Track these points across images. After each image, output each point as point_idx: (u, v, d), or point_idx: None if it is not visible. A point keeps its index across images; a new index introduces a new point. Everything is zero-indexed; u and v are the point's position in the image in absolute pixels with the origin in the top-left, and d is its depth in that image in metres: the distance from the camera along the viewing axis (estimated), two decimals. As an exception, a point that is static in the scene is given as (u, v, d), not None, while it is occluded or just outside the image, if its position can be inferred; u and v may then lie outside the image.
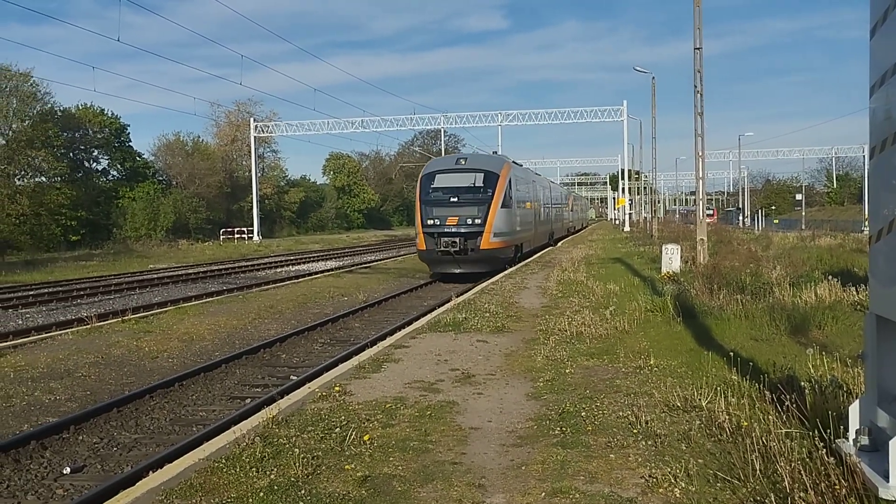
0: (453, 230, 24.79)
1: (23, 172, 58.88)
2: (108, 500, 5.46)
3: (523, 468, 5.75)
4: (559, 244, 44.27)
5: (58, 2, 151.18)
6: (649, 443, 6.17)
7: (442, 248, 24.77)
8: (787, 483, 4.77)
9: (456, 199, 25.38)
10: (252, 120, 77.48)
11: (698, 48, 20.55)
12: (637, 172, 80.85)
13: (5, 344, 13.82)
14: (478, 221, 24.79)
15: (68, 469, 7.36)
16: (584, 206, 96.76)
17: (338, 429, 6.69)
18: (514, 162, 31.22)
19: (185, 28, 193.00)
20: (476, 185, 25.82)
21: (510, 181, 26.79)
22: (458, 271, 24.97)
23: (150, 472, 6.36)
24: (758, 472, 5.17)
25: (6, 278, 31.39)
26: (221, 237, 69.82)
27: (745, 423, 6.16)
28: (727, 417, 6.41)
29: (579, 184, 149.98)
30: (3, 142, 57.69)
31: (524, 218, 30.34)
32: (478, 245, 24.74)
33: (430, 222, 25.20)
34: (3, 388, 10.47)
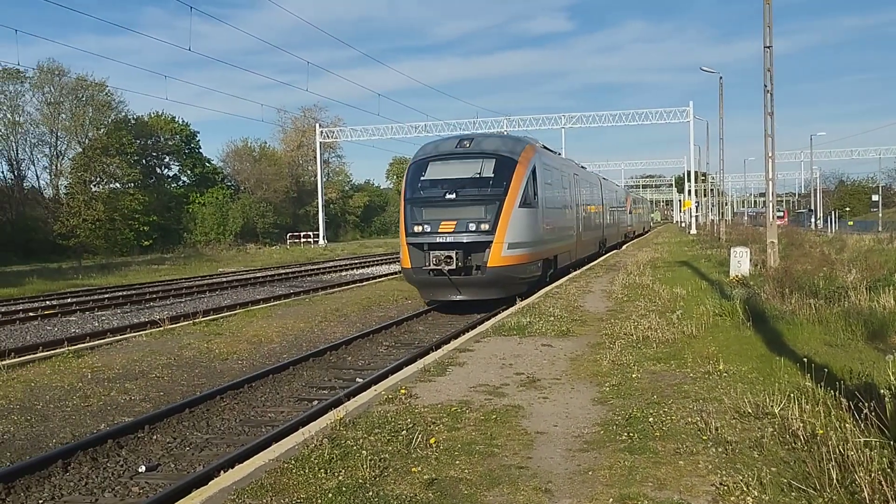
0: (449, 240, 17.37)
1: (98, 179, 60.96)
2: (182, 499, 5.59)
3: (590, 473, 5.70)
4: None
5: (131, 13, 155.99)
6: (720, 450, 6.05)
7: (432, 266, 17.20)
8: (866, 493, 4.62)
9: (454, 196, 17.71)
10: (318, 125, 78.75)
11: (768, 46, 20.07)
12: (704, 174, 79.28)
13: (83, 345, 14.31)
14: (485, 227, 17.33)
15: (143, 468, 7.58)
16: (645, 208, 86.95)
17: (404, 431, 6.74)
18: (543, 146, 23.10)
19: (252, 36, 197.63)
20: (483, 175, 18.17)
21: (534, 170, 19.15)
22: (457, 299, 17.64)
23: (222, 471, 6.50)
24: (834, 481, 5.02)
25: (83, 282, 32.54)
26: (288, 241, 71.12)
27: (821, 431, 5.98)
28: (801, 425, 6.24)
29: (644, 186, 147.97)
30: (80, 149, 59.80)
31: (558, 222, 22.65)
32: (485, 261, 17.31)
33: (416, 229, 17.77)
34: (81, 388, 10.85)
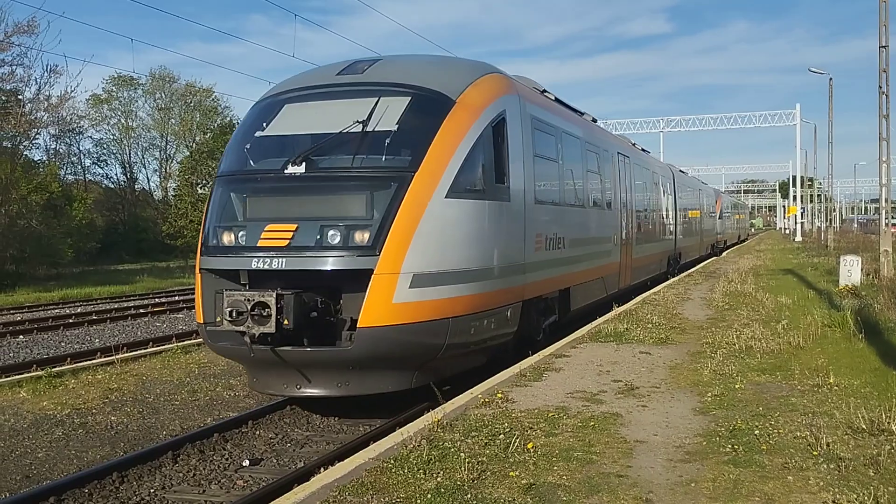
0: (277, 264, 8.46)
1: (204, 181, 63.34)
2: (285, 494, 5.74)
3: (693, 485, 5.56)
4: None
5: (237, 21, 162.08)
6: (831, 466, 5.80)
7: (233, 319, 8.13)
8: None
9: (301, 170, 8.88)
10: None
11: (884, 46, 19.18)
12: (810, 179, 76.27)
13: (190, 342, 14.91)
14: (361, 237, 8.44)
15: (247, 462, 7.83)
16: (742, 213, 76.11)
17: (501, 435, 6.73)
18: (540, 90, 13.52)
19: (353, 42, 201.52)
20: (375, 128, 9.05)
21: (499, 126, 10.15)
22: (306, 394, 8.77)
23: (322, 468, 6.64)
24: (959, 504, 4.74)
25: (190, 280, 33.88)
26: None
27: (943, 451, 5.67)
28: (921, 443, 5.92)
29: (746, 191, 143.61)
30: (188, 153, 62.38)
31: (571, 230, 13.51)
32: (357, 315, 8.31)
33: (224, 239, 8.97)
34: (188, 382, 11.31)
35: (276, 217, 8.76)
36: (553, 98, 14.24)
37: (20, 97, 33.59)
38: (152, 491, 7.10)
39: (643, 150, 25.78)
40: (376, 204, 8.58)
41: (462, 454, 6.13)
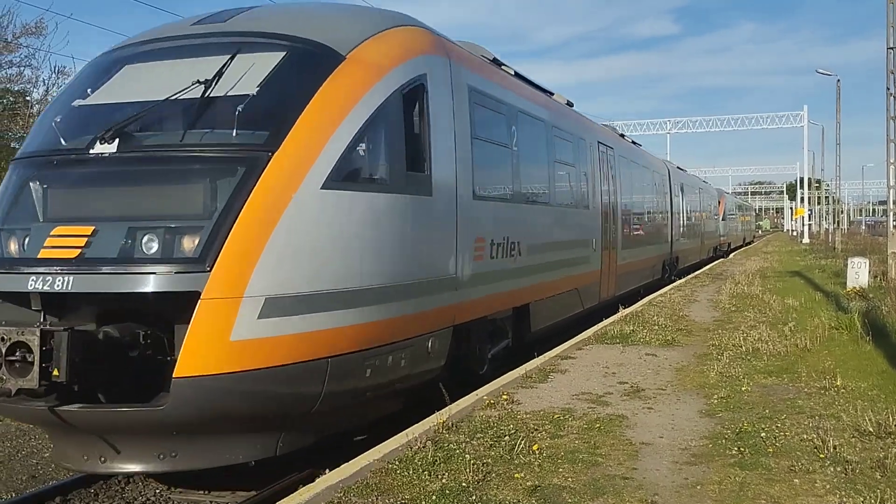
0: (60, 283, 5.85)
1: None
2: (290, 495, 5.74)
3: (698, 488, 5.54)
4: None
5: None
6: (838, 469, 5.77)
7: None
8: None
9: (112, 150, 6.39)
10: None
11: (892, 48, 19.11)
12: (818, 181, 76.02)
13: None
14: (189, 244, 5.96)
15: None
16: (748, 214, 73.40)
17: (507, 437, 6.72)
18: (485, 58, 11.00)
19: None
20: (227, 92, 6.58)
21: (416, 91, 7.76)
22: (115, 469, 6.26)
23: (328, 469, 6.63)
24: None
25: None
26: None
27: (951, 454, 5.64)
28: (928, 447, 5.89)
29: (753, 193, 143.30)
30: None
31: (529, 229, 11.33)
32: (175, 359, 5.78)
33: (8, 247, 6.43)
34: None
35: (67, 216, 6.35)
36: (513, 73, 11.77)
37: (28, 98, 33.72)
38: (158, 491, 7.11)
39: (634, 143, 23.48)
40: (213, 197, 6.15)
41: (467, 456, 6.11)
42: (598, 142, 16.05)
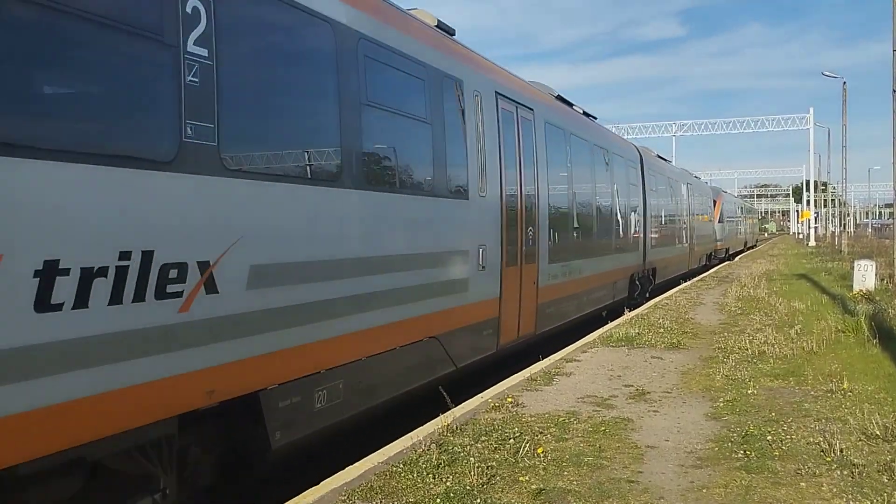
0: None
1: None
2: (294, 497, 5.73)
3: (704, 491, 5.51)
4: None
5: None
6: (845, 472, 5.74)
7: None
8: None
9: None
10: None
11: (897, 49, 19.01)
12: (824, 184, 75.81)
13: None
14: None
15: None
16: (750, 216, 67.17)
17: (511, 440, 6.70)
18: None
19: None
20: None
21: None
22: None
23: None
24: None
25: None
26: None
27: (958, 458, 5.60)
28: (936, 450, 5.86)
29: (759, 195, 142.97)
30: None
31: (257, 241, 5.51)
32: None
33: None
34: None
35: None
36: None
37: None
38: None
39: (586, 114, 17.08)
40: None
41: (472, 458, 6.09)
42: (497, 92, 10.53)
